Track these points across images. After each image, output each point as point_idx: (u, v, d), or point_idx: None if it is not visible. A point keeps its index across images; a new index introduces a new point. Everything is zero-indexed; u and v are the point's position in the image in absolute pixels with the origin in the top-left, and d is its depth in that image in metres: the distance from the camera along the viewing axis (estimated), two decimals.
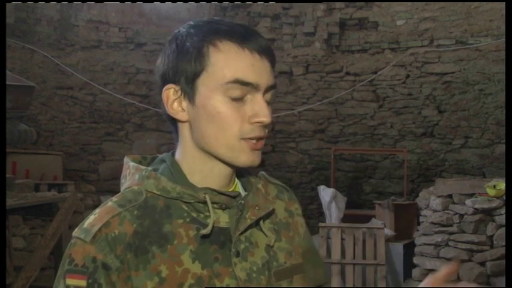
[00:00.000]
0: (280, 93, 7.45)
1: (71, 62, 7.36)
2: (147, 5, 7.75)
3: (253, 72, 0.91)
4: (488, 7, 6.87)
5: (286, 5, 7.62)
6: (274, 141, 7.48)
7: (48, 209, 4.08)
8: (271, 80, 0.94)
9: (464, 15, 7.06)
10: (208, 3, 7.72)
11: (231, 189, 0.99)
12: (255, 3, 7.72)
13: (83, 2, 7.43)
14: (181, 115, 0.95)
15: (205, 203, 0.93)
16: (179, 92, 0.94)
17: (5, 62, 4.45)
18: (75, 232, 0.90)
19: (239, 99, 0.92)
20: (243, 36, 0.92)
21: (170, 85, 0.94)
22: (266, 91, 0.94)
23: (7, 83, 4.32)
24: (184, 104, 0.94)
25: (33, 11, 7.23)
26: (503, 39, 5.89)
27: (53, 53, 7.24)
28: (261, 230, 0.98)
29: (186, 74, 0.92)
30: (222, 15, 7.77)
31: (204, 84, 0.92)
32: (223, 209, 0.95)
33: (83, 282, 0.86)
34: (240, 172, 1.02)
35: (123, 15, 7.70)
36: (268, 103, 0.94)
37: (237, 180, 1.02)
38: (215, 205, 0.94)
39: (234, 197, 0.96)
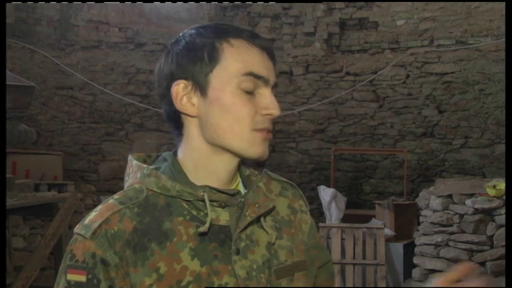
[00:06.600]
0: (280, 93, 7.45)
1: (71, 62, 7.36)
2: (147, 5, 7.75)
3: (264, 67, 0.96)
4: (488, 7, 6.87)
5: (286, 5, 7.61)
6: (274, 141, 7.47)
7: (48, 209, 4.08)
8: (275, 78, 0.98)
9: (464, 15, 7.06)
10: (208, 3, 7.71)
11: (232, 187, 1.00)
12: (255, 3, 7.72)
13: (83, 2, 7.43)
14: (190, 110, 0.95)
15: (204, 201, 0.93)
16: (189, 87, 0.95)
17: (5, 62, 4.45)
18: (76, 228, 0.92)
19: (250, 93, 0.94)
20: (252, 35, 0.97)
21: (180, 81, 0.95)
22: (272, 87, 0.98)
23: (7, 83, 4.31)
24: (195, 98, 0.95)
25: (33, 11, 7.23)
26: (503, 39, 5.88)
27: (53, 53, 7.24)
28: (262, 227, 0.98)
29: (198, 68, 0.94)
30: (222, 15, 7.77)
31: (217, 78, 0.94)
32: (223, 207, 0.95)
33: (83, 278, 0.87)
34: (242, 171, 1.03)
35: (123, 15, 7.70)
36: None
37: (239, 179, 1.03)
38: (214, 203, 0.94)
39: (233, 195, 0.96)
